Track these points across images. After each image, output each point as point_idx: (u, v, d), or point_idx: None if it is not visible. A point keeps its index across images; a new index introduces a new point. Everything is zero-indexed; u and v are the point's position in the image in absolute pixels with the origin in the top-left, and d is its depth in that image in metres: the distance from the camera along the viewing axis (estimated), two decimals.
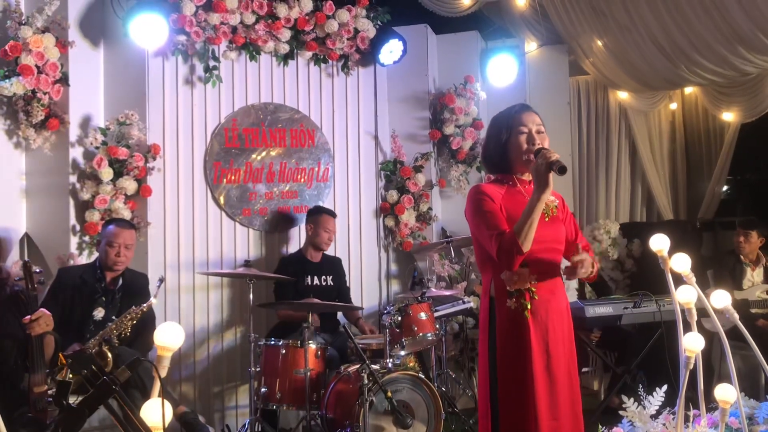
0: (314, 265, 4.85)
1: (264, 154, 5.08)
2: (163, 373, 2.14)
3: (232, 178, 4.99)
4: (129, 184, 4.56)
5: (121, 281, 3.99)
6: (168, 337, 2.16)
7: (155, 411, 1.83)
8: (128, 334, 3.72)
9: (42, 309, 2.70)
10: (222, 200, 4.96)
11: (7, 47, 4.25)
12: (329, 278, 4.88)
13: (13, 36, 4.31)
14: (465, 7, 5.56)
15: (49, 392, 2.77)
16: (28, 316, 2.64)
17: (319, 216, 4.84)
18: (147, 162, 4.63)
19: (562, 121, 6.11)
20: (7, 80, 4.27)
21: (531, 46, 6.13)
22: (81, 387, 3.09)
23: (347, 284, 5.09)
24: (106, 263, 3.97)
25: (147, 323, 4.02)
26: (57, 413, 2.93)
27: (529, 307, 2.54)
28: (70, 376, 1.83)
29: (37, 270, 2.76)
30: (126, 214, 4.53)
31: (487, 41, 5.98)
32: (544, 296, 2.58)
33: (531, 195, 2.46)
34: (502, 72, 5.63)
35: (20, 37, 4.29)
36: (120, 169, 4.55)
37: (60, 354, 2.40)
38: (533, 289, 2.55)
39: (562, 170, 2.39)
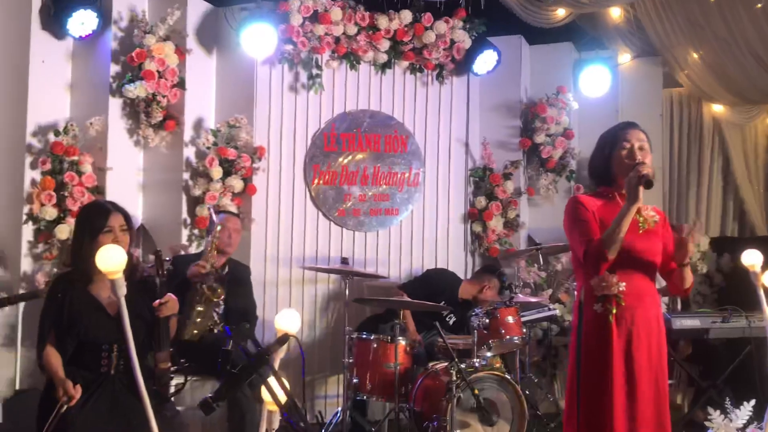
0: (459, 301, 4.90)
1: (359, 157, 5.32)
2: (281, 354, 2.39)
3: (329, 179, 5.25)
4: (236, 183, 4.88)
5: (227, 268, 4.29)
6: (287, 322, 2.42)
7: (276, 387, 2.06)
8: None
9: (170, 294, 2.99)
10: (319, 200, 5.24)
11: (134, 54, 4.64)
12: (453, 318, 4.90)
13: (138, 44, 4.70)
14: (559, 18, 5.63)
15: (171, 369, 3.06)
16: (158, 300, 2.93)
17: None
18: (253, 162, 4.95)
19: (654, 133, 5.96)
20: (131, 84, 4.66)
21: (624, 58, 6.12)
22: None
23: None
24: (217, 246, 4.25)
25: (244, 282, 4.33)
26: (179, 386, 3.24)
27: (614, 311, 2.67)
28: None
29: (167, 258, 3.05)
30: (233, 210, 4.86)
31: (581, 52, 6.02)
32: (631, 303, 2.70)
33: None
34: (595, 83, 5.68)
35: (145, 45, 4.67)
36: (228, 168, 4.87)
37: (222, 326, 2.67)
38: (620, 296, 2.69)
39: (648, 184, 2.58)
